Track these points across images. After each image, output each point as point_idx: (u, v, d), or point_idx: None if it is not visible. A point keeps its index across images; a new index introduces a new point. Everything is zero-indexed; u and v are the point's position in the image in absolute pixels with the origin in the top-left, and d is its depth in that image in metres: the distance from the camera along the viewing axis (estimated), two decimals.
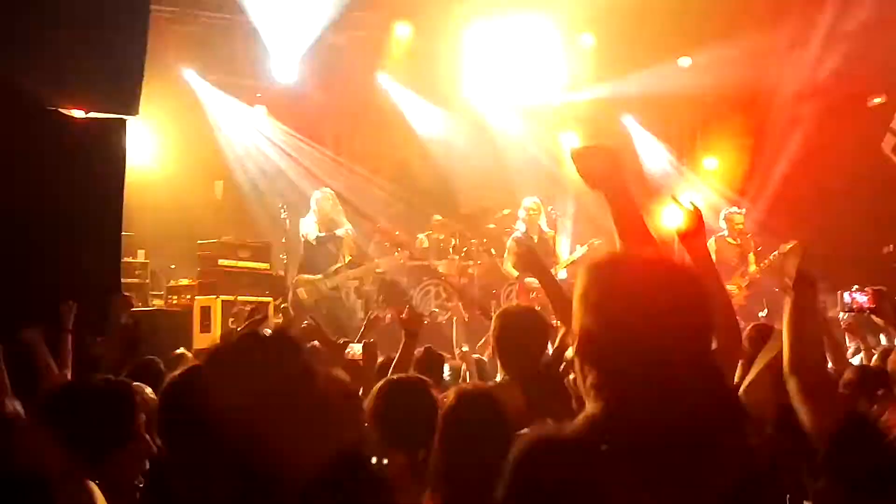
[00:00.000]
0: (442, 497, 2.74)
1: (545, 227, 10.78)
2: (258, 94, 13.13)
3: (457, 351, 6.86)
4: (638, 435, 1.72)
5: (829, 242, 11.74)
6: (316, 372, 2.13)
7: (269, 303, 10.41)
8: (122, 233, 7.52)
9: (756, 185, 12.43)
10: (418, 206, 13.19)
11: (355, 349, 5.25)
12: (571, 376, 2.12)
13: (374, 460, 2.77)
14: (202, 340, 9.44)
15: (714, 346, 2.69)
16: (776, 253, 10.68)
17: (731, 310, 2.89)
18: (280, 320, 7.13)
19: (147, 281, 11.51)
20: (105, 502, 2.50)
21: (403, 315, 4.81)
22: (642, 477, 1.67)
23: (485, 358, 6.07)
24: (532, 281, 10.39)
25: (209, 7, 12.15)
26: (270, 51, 12.35)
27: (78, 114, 7.14)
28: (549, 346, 5.24)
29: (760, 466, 1.84)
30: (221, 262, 11.24)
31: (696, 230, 2.89)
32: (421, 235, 12.29)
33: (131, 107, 7.24)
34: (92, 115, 7.19)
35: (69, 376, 4.46)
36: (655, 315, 1.77)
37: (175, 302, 11.13)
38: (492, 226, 12.29)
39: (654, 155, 14.10)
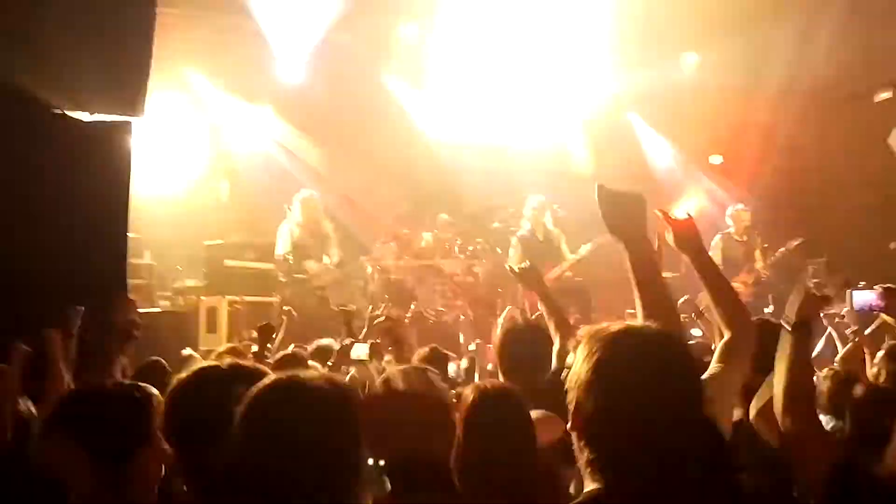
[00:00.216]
0: (466, 494, 2.73)
1: (550, 226, 10.77)
2: (264, 95, 13.14)
3: (466, 351, 6.88)
4: None
5: (835, 239, 11.74)
6: None
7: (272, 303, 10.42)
8: (129, 234, 7.53)
9: (762, 182, 12.40)
10: (424, 205, 13.18)
11: (360, 350, 5.25)
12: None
13: None
14: (208, 341, 9.46)
15: (728, 336, 2.73)
16: (783, 250, 10.67)
17: (740, 303, 2.92)
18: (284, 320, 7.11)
19: (153, 282, 11.52)
20: None
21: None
22: None
23: None
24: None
25: (215, 8, 12.15)
26: (276, 52, 12.35)
27: (83, 116, 7.14)
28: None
29: None
30: (227, 262, 11.27)
31: (692, 239, 2.93)
32: (426, 234, 12.29)
33: (137, 109, 7.24)
34: (97, 117, 7.19)
35: (70, 380, 4.44)
36: (648, 394, 1.82)
37: (181, 303, 11.15)
38: (497, 224, 12.28)
39: (659, 152, 14.08)
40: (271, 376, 2.13)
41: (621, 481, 1.79)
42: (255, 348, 5.64)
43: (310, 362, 5.15)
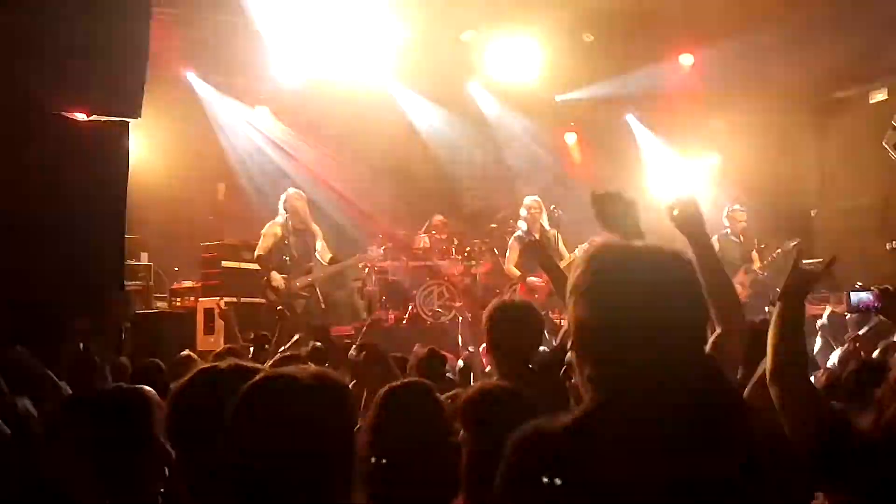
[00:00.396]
0: (469, 496, 2.73)
1: (547, 226, 10.78)
2: (260, 96, 13.14)
3: (463, 353, 6.87)
4: (634, 424, 1.70)
5: (832, 239, 11.76)
6: None
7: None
8: (126, 235, 7.53)
9: (758, 182, 12.41)
10: (420, 206, 13.19)
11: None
12: (574, 379, 2.10)
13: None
14: (206, 342, 9.46)
15: (719, 332, 2.73)
16: (779, 251, 10.69)
17: (734, 294, 2.92)
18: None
19: (150, 283, 11.53)
20: None
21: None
22: (638, 467, 1.66)
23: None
24: (535, 280, 10.42)
25: (211, 9, 12.14)
26: (273, 52, 12.34)
27: (81, 117, 7.15)
28: (546, 343, 5.25)
29: (762, 457, 1.82)
30: (224, 263, 11.28)
31: (695, 218, 2.90)
32: (423, 236, 12.30)
33: (134, 110, 7.25)
34: (94, 118, 7.19)
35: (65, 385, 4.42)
36: (647, 302, 1.75)
37: (178, 304, 11.15)
38: (494, 225, 12.29)
39: (655, 152, 14.11)
40: (263, 373, 2.12)
41: (616, 397, 1.73)
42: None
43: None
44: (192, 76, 12.63)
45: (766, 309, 9.29)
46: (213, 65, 12.64)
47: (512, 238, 10.80)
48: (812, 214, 12.62)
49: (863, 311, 4.94)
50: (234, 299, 10.14)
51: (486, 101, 13.74)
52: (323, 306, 10.06)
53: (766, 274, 10.63)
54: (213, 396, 2.18)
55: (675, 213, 2.91)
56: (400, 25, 12.59)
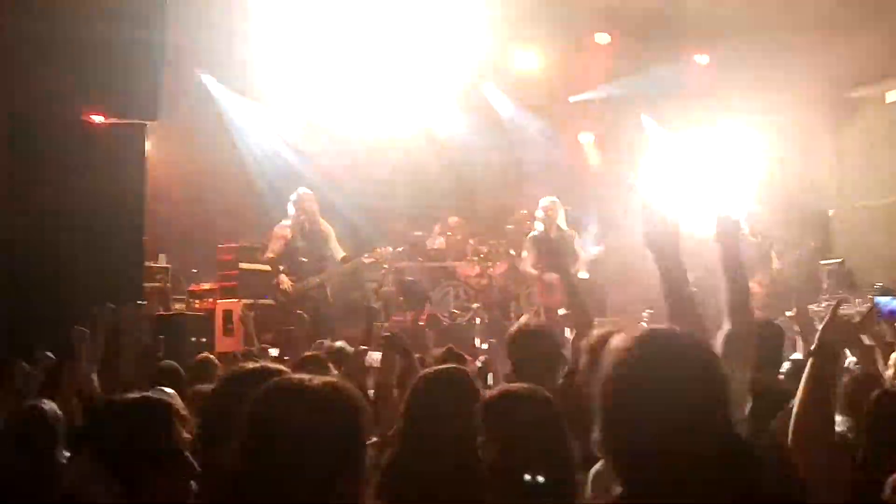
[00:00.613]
0: (496, 490, 2.73)
1: (563, 227, 10.74)
2: (275, 96, 13.14)
3: (482, 351, 6.85)
4: None
5: (850, 239, 11.70)
6: None
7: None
8: (144, 237, 7.56)
9: (775, 183, 12.36)
10: (436, 207, 13.19)
11: (375, 357, 5.24)
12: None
13: None
14: (224, 344, 9.48)
15: (727, 329, 2.73)
16: (797, 252, 10.65)
17: (748, 299, 2.93)
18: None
19: (168, 285, 11.56)
20: None
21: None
22: None
23: None
24: (552, 280, 10.40)
25: (226, 11, 12.16)
26: (287, 54, 12.36)
27: (98, 120, 7.19)
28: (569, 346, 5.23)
29: None
30: (242, 265, 11.30)
31: (732, 232, 2.96)
32: (439, 238, 12.30)
33: (151, 112, 7.29)
34: (112, 121, 7.24)
35: (96, 381, 4.42)
36: (673, 405, 1.81)
37: (197, 305, 11.18)
38: (510, 226, 12.28)
39: (671, 152, 14.06)
40: (276, 378, 2.12)
41: (643, 486, 1.79)
42: (273, 351, 5.63)
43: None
44: (207, 78, 12.67)
45: (786, 314, 9.26)
46: (229, 67, 12.67)
47: (528, 238, 10.78)
48: (829, 214, 12.55)
49: (887, 316, 4.88)
50: (252, 301, 10.15)
51: (501, 102, 13.72)
52: (331, 307, 10.04)
53: (784, 274, 10.57)
54: (243, 398, 2.18)
55: (648, 233, 2.86)
56: (415, 26, 12.61)
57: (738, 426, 2.21)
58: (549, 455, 2.73)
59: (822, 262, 11.86)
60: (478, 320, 10.86)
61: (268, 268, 10.52)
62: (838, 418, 3.35)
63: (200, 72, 12.49)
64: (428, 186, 13.71)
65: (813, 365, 2.65)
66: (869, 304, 3.17)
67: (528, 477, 2.60)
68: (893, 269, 10.15)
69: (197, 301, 11.27)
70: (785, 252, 10.81)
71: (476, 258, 11.77)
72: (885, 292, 4.83)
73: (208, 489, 2.44)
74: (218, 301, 10.72)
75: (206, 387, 4.19)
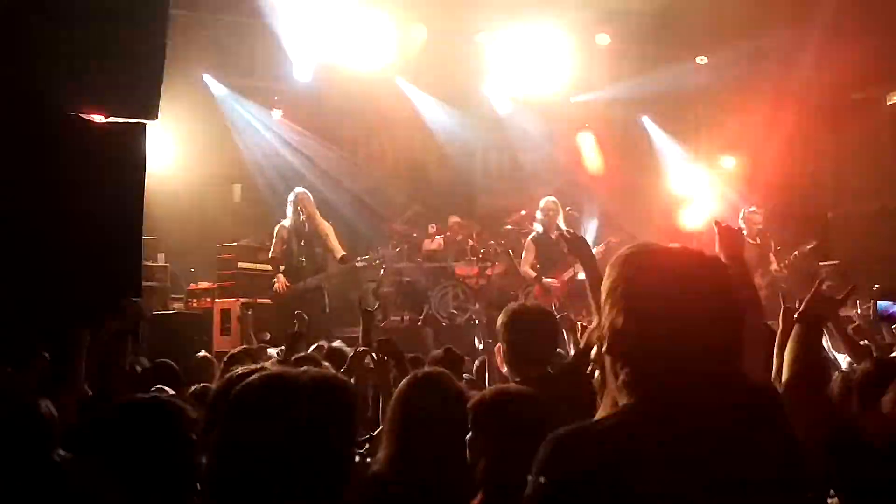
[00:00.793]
0: (486, 494, 2.72)
1: (563, 226, 10.73)
2: (276, 97, 13.17)
3: (480, 351, 6.84)
4: (671, 426, 1.71)
5: (850, 241, 11.70)
6: None
7: None
8: (143, 237, 7.56)
9: (775, 185, 12.36)
10: (435, 207, 13.20)
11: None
12: (597, 374, 2.11)
13: None
14: (222, 343, 9.48)
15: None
16: (796, 253, 10.64)
17: (759, 305, 2.97)
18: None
19: (167, 284, 11.58)
20: None
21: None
22: (676, 468, 1.67)
23: None
24: (550, 281, 10.40)
25: (227, 10, 12.19)
26: (288, 53, 12.38)
27: (98, 119, 7.18)
28: (562, 343, 5.22)
29: (799, 455, 1.84)
30: (240, 265, 11.32)
31: (737, 247, 3.19)
32: (438, 237, 12.30)
33: (151, 111, 7.27)
34: (112, 120, 7.22)
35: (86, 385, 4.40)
36: (683, 307, 1.76)
37: (195, 305, 11.19)
38: (509, 227, 12.29)
39: (671, 155, 14.08)
40: (259, 373, 2.08)
41: (651, 399, 1.74)
42: (272, 351, 5.61)
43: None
44: (208, 78, 12.68)
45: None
46: (230, 67, 12.69)
47: (528, 239, 10.78)
48: (828, 216, 12.55)
49: (889, 319, 4.90)
50: (251, 300, 10.17)
51: (501, 103, 13.73)
52: (327, 310, 10.02)
53: (784, 275, 10.56)
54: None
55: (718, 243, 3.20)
56: (415, 26, 12.62)
57: None
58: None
59: (821, 263, 11.87)
60: (476, 321, 10.86)
61: (266, 267, 10.55)
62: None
63: (201, 71, 12.51)
64: (427, 187, 13.73)
65: (799, 332, 2.90)
66: (850, 289, 3.26)
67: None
68: (893, 271, 10.14)
69: (195, 300, 11.28)
70: (783, 254, 10.80)
71: (475, 258, 11.77)
72: (883, 295, 4.83)
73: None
74: (216, 300, 10.73)
75: (208, 386, 4.20)
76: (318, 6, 11.95)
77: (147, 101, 7.19)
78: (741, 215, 11.12)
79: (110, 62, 6.95)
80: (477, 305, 11.18)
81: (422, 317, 9.95)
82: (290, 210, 10.16)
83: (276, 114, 13.27)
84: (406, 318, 11.39)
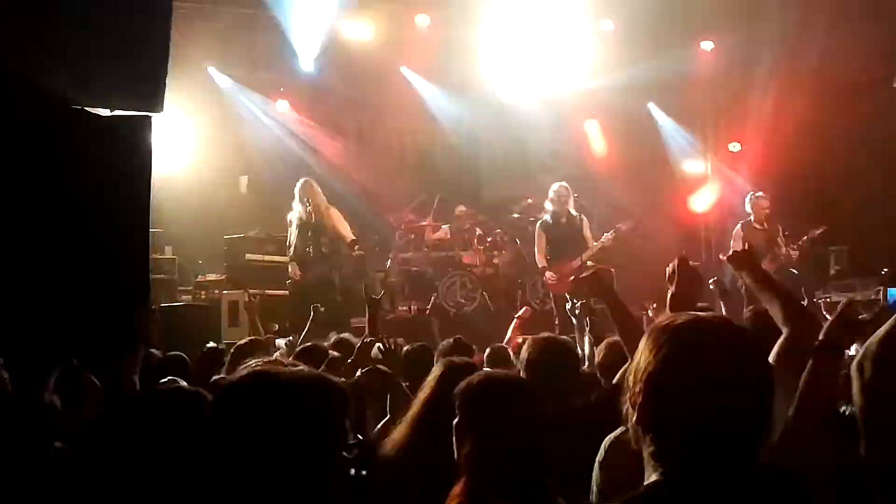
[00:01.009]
0: (469, 480, 2.69)
1: (573, 212, 10.71)
2: (281, 88, 13.17)
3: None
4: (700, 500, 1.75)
5: (857, 226, 11.66)
6: None
7: None
8: (151, 229, 7.56)
9: (781, 170, 12.32)
10: (442, 196, 13.18)
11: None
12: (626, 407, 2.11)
13: None
14: (231, 334, 9.50)
15: (785, 333, 2.75)
16: (805, 238, 10.60)
17: (797, 303, 3.09)
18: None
19: (175, 276, 11.59)
20: None
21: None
22: None
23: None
24: (554, 275, 10.38)
25: (230, 2, 12.19)
26: (294, 45, 12.37)
27: (103, 112, 7.17)
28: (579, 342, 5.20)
29: None
30: (248, 256, 11.33)
31: (751, 261, 3.40)
32: (444, 226, 12.29)
33: (156, 104, 7.24)
34: (117, 113, 7.22)
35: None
36: (714, 387, 1.78)
37: (203, 296, 11.20)
38: (516, 215, 12.27)
39: (677, 141, 14.03)
40: (246, 369, 2.03)
41: (683, 474, 1.77)
42: (279, 341, 5.60)
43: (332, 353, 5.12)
44: (212, 70, 12.68)
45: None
46: (234, 58, 12.68)
47: (538, 225, 10.73)
48: (837, 200, 12.50)
49: None
50: (259, 292, 10.18)
51: (507, 91, 13.69)
52: (339, 298, 10.07)
53: (793, 260, 10.52)
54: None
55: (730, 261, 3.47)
56: (420, 15, 12.60)
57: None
58: (524, 447, 2.68)
59: (830, 247, 11.83)
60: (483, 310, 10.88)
61: (274, 258, 10.62)
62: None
63: (206, 63, 12.50)
64: (434, 176, 13.71)
65: (816, 362, 2.60)
66: (877, 295, 3.20)
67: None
68: None
69: (203, 292, 11.29)
70: (790, 239, 10.76)
71: (482, 247, 11.76)
72: (892, 279, 4.81)
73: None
74: (224, 292, 10.74)
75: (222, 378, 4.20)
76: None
77: (152, 94, 7.16)
78: (748, 200, 11.08)
79: (114, 55, 6.93)
80: (483, 295, 11.13)
81: (429, 306, 9.94)
82: (296, 201, 10.20)
83: (282, 105, 13.26)
84: (414, 307, 11.38)
